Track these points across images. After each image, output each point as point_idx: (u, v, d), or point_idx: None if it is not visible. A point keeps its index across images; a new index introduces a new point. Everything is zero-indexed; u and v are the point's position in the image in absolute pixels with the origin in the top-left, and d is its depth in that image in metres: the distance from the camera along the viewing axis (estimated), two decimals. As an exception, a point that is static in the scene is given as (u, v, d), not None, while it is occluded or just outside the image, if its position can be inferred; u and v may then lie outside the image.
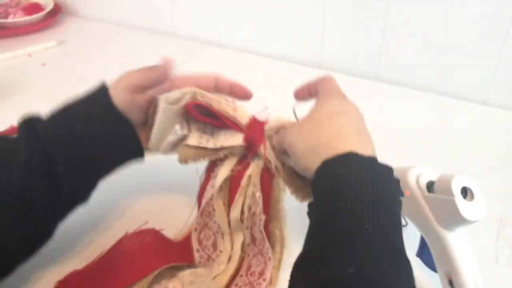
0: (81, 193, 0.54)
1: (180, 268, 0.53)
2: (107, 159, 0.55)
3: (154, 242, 0.54)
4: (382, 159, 0.58)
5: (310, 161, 0.43)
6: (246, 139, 0.52)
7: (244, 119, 0.53)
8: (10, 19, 1.09)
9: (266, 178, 0.53)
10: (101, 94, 0.54)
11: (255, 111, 0.56)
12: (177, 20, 1.10)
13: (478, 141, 0.76)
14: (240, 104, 0.56)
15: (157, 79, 0.56)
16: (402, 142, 0.76)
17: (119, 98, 0.54)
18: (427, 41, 0.85)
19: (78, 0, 1.21)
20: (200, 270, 0.51)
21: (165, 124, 0.55)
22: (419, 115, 0.83)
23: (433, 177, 0.50)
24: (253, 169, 0.52)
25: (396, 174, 0.44)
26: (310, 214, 0.42)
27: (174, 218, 0.61)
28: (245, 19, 1.01)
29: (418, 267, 0.55)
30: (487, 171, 0.70)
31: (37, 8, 1.14)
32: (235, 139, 0.53)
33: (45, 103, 0.87)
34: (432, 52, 0.86)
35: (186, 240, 0.58)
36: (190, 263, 0.55)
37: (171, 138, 0.55)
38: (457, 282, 0.46)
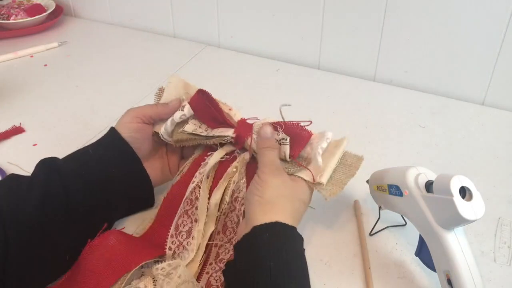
0: (96, 228, 0.56)
1: (147, 265, 0.54)
2: (118, 190, 0.58)
3: (118, 244, 0.54)
4: (382, 159, 0.59)
5: (259, 216, 0.48)
6: (235, 132, 0.58)
7: (236, 117, 0.60)
8: (12, 20, 1.10)
9: (251, 171, 0.57)
10: (110, 131, 0.60)
11: (245, 116, 0.61)
12: (177, 21, 1.10)
13: (476, 141, 0.77)
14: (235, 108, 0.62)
15: (166, 115, 0.61)
16: (401, 142, 0.77)
17: (129, 125, 0.60)
18: (425, 42, 0.86)
19: (79, 2, 1.22)
20: (174, 262, 0.51)
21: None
22: (418, 116, 0.83)
23: (432, 177, 0.50)
24: (240, 160, 0.58)
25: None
26: (229, 271, 0.47)
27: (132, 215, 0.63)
28: (245, 20, 1.01)
29: (417, 267, 0.56)
30: (485, 171, 0.71)
31: (39, 9, 1.14)
32: (228, 131, 0.59)
33: (46, 104, 0.88)
34: (430, 53, 0.86)
35: (149, 234, 0.59)
36: (161, 255, 0.56)
37: (177, 115, 0.60)
38: (455, 281, 0.46)
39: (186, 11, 1.07)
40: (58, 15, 1.18)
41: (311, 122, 0.57)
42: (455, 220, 0.46)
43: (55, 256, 0.52)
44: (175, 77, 0.64)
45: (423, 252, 0.53)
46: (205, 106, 0.59)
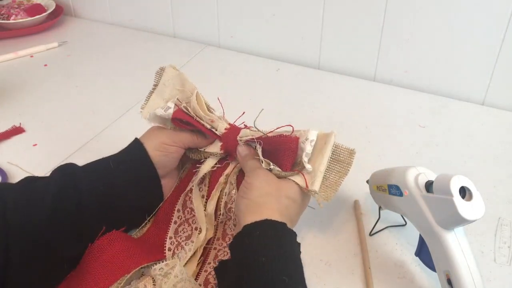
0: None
1: (147, 266, 0.54)
2: (130, 208, 0.58)
3: (118, 246, 0.54)
4: (382, 159, 0.59)
5: (249, 217, 0.49)
6: (222, 148, 0.59)
7: (220, 129, 0.59)
8: (12, 20, 1.10)
9: (242, 178, 0.56)
10: (136, 146, 0.58)
11: (233, 117, 0.61)
12: (177, 21, 1.10)
13: (476, 141, 0.77)
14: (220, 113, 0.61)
15: (203, 146, 0.60)
16: (401, 142, 0.77)
17: (163, 146, 0.58)
18: (425, 42, 0.86)
19: (79, 2, 1.22)
20: (172, 261, 0.52)
21: (162, 93, 0.62)
22: (418, 116, 0.83)
23: (432, 177, 0.50)
24: (231, 169, 0.59)
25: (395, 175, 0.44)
26: (222, 270, 0.48)
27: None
28: (245, 20, 1.02)
29: (417, 267, 0.56)
30: (485, 171, 0.71)
31: (39, 9, 1.14)
32: (214, 147, 0.60)
33: (46, 104, 0.88)
34: (430, 53, 0.86)
35: (147, 236, 0.59)
36: (160, 259, 0.56)
37: (159, 111, 0.59)
38: (456, 281, 0.46)
39: (186, 11, 1.07)
40: (58, 15, 1.18)
41: (292, 127, 0.55)
42: (455, 220, 0.46)
43: (56, 269, 0.52)
44: (173, 70, 0.62)
45: (423, 252, 0.53)
46: (187, 127, 0.59)
